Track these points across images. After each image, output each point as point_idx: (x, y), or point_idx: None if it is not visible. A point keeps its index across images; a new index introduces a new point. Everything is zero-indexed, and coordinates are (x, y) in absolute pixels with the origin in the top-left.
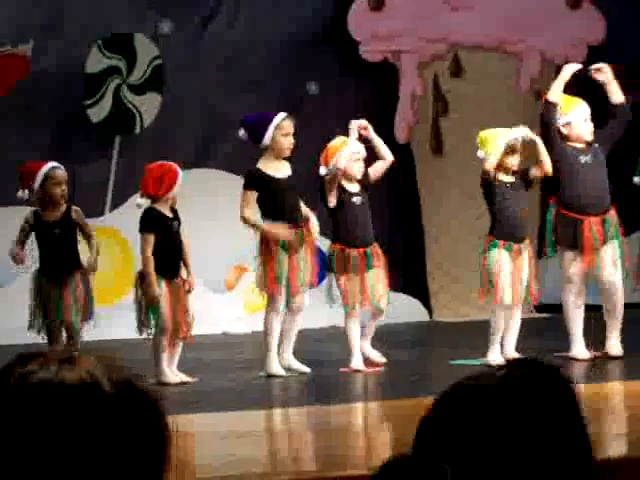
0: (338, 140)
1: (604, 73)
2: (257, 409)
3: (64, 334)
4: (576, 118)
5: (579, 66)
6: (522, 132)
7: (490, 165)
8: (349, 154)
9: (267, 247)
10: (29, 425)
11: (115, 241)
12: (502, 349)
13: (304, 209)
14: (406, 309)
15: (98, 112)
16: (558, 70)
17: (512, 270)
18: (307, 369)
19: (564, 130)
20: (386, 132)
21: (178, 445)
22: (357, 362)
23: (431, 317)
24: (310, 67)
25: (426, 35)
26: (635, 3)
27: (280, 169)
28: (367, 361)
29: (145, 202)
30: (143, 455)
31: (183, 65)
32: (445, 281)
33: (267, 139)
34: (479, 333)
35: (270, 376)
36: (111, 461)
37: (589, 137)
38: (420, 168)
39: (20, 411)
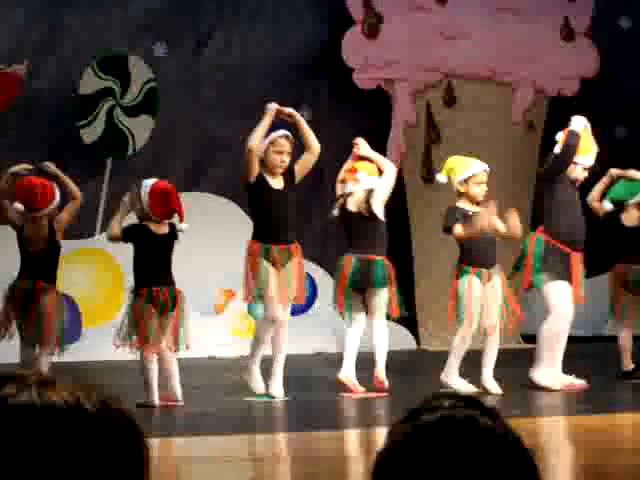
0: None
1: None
2: (242, 434)
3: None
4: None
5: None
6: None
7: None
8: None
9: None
10: (17, 450)
11: (104, 263)
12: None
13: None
14: (394, 337)
15: (91, 133)
16: (551, 102)
17: (482, 297)
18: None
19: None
20: None
21: (162, 469)
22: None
23: (419, 345)
24: (303, 93)
25: (420, 64)
26: (628, 36)
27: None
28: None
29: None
30: (124, 475)
31: (177, 88)
32: (433, 310)
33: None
34: (466, 362)
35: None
36: None
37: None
38: (410, 196)
39: (5, 436)
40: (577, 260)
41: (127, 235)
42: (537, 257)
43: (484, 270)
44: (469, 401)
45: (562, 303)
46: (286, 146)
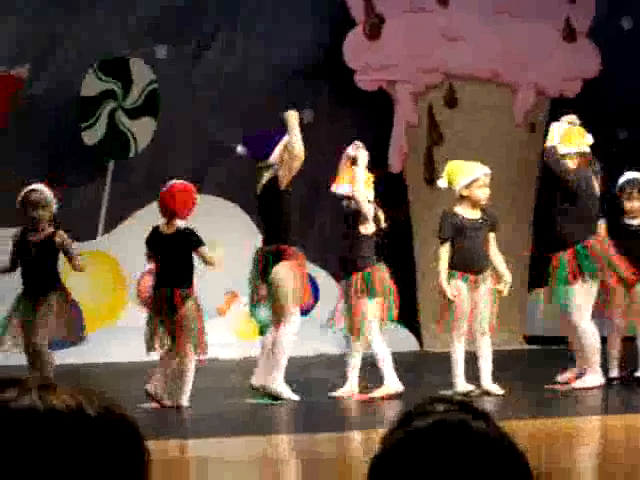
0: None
1: None
2: (245, 435)
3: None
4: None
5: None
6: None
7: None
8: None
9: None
10: (18, 454)
11: (106, 265)
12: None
13: None
14: (397, 339)
15: (92, 135)
16: (552, 103)
17: (469, 302)
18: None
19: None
20: (380, 161)
21: (164, 471)
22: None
23: (421, 347)
24: (305, 95)
25: (421, 65)
26: (630, 37)
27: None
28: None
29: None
30: (124, 479)
31: (178, 90)
32: (435, 312)
33: (274, 157)
34: (467, 363)
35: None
36: None
37: None
38: (412, 198)
39: (7, 440)
40: (553, 261)
41: (149, 246)
42: None
43: (471, 275)
44: (462, 405)
45: None
46: None
